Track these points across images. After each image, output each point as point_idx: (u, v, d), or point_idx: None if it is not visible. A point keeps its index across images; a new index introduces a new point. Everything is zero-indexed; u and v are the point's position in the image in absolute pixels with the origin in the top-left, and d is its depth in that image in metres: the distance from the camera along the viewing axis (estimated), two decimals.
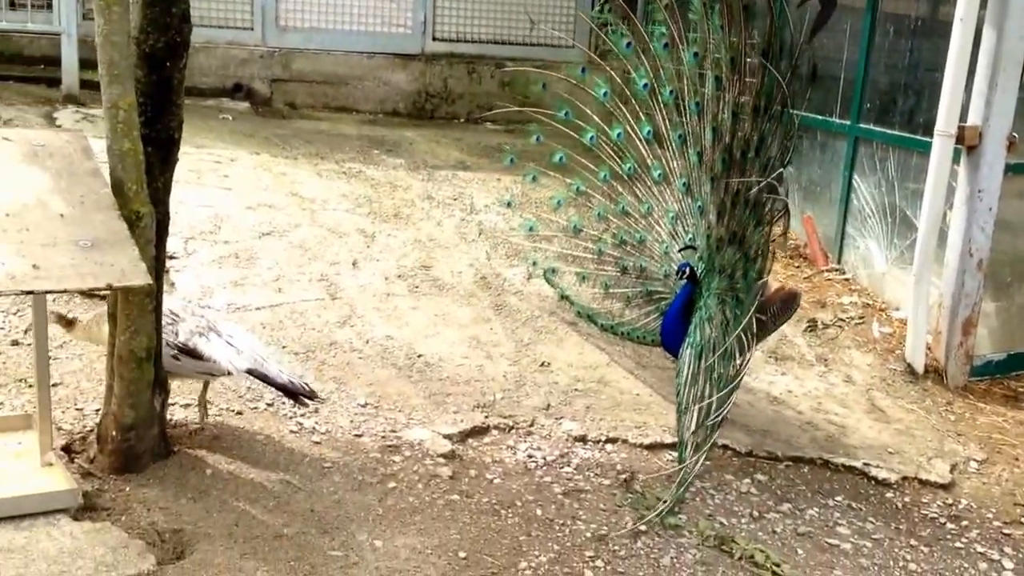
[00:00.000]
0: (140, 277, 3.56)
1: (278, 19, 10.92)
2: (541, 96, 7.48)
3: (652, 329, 6.39)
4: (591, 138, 6.72)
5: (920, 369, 7.09)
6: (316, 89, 11.26)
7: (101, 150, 4.29)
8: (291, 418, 5.42)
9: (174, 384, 5.05)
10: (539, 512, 5.00)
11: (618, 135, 6.58)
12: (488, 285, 7.36)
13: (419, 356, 6.32)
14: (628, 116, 6.56)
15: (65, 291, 3.82)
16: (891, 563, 5.09)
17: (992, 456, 6.31)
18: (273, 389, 5.18)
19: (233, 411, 5.38)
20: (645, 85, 6.40)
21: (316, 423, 5.41)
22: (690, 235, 6.14)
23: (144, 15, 4.17)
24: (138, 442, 4.62)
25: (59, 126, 8.82)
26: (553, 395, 6.14)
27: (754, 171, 5.65)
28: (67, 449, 4.78)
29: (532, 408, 5.96)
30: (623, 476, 5.44)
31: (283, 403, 5.52)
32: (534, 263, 7.27)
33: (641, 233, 6.47)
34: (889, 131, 7.93)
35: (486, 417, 5.76)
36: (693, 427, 5.25)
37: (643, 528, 4.98)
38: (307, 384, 5.19)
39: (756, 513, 5.30)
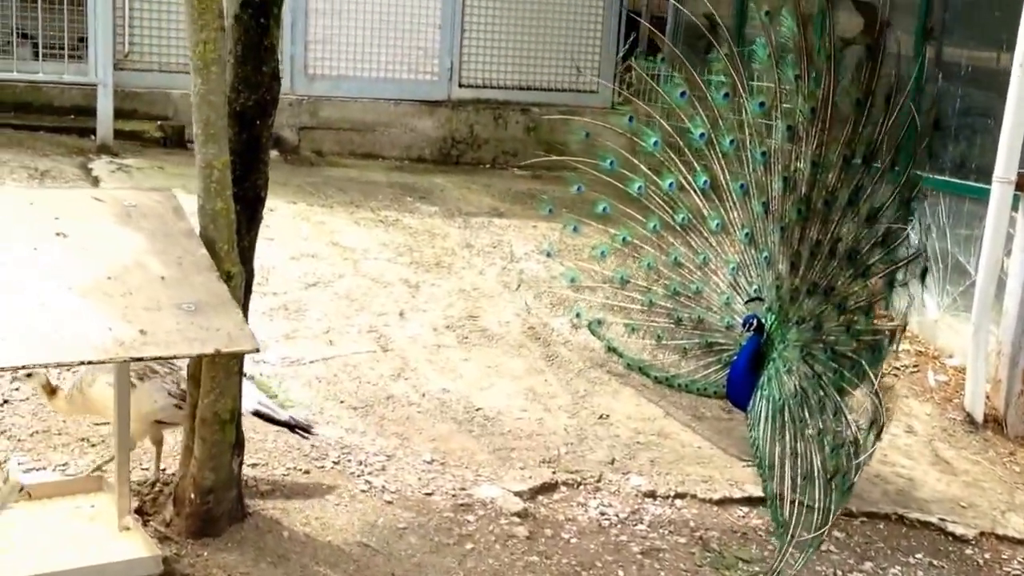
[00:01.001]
0: (247, 342, 3.46)
1: (307, 68, 10.85)
2: (583, 144, 7.41)
3: (714, 381, 6.29)
4: (639, 188, 6.63)
5: (980, 418, 7.00)
6: (343, 136, 11.19)
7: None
8: (359, 476, 5.30)
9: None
10: (621, 574, 4.90)
11: (670, 185, 6.49)
12: (537, 335, 7.27)
13: (477, 409, 6.22)
14: (680, 166, 6.48)
15: (174, 357, 3.71)
16: None
17: None
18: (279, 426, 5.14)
19: (300, 470, 5.25)
20: (702, 135, 6.32)
21: (385, 481, 5.29)
22: (755, 286, 6.05)
23: (236, 74, 4.10)
24: (216, 505, 4.50)
25: (95, 177, 8.73)
26: (616, 449, 6.04)
27: (846, 222, 5.59)
28: (139, 511, 4.65)
29: (597, 463, 5.85)
30: (697, 534, 5.34)
31: (349, 461, 5.41)
32: (578, 314, 7.15)
33: (697, 284, 6.38)
34: (940, 177, 7.88)
35: (553, 473, 5.66)
36: (789, 483, 5.15)
37: None
38: (305, 419, 5.24)
39: (839, 573, 5.21)
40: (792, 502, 5.16)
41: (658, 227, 6.57)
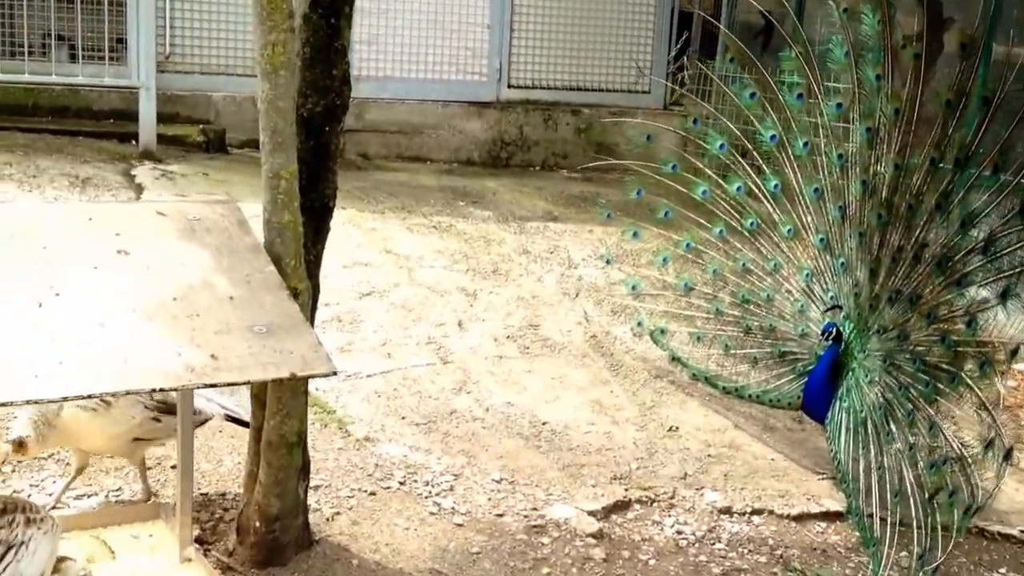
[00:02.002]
0: (323, 365, 3.25)
1: (352, 69, 10.65)
2: (650, 148, 7.20)
3: (788, 392, 6.06)
4: (703, 192, 6.39)
5: None
6: (390, 139, 11.00)
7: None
8: (427, 497, 5.10)
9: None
10: None
11: (737, 189, 6.25)
12: (599, 344, 7.05)
13: (543, 424, 6.00)
14: (748, 169, 6.24)
15: (248, 382, 3.51)
16: None
17: None
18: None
19: (366, 492, 5.06)
20: (773, 137, 6.08)
21: (455, 503, 5.08)
22: (831, 293, 5.81)
23: (304, 77, 3.90)
24: (283, 533, 4.30)
25: (139, 184, 8.59)
26: (688, 463, 5.81)
27: (934, 227, 5.33)
28: (200, 540, 4.46)
29: (669, 478, 5.63)
30: (777, 552, 5.11)
31: (415, 481, 5.22)
32: (639, 323, 6.93)
33: (768, 291, 6.14)
34: None
35: (626, 490, 5.43)
36: (877, 500, 4.93)
37: None
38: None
39: None
40: (883, 520, 4.93)
41: (724, 232, 6.34)
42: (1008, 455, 5.07)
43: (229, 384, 3.23)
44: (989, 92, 5.18)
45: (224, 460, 5.16)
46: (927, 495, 4.94)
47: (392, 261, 7.78)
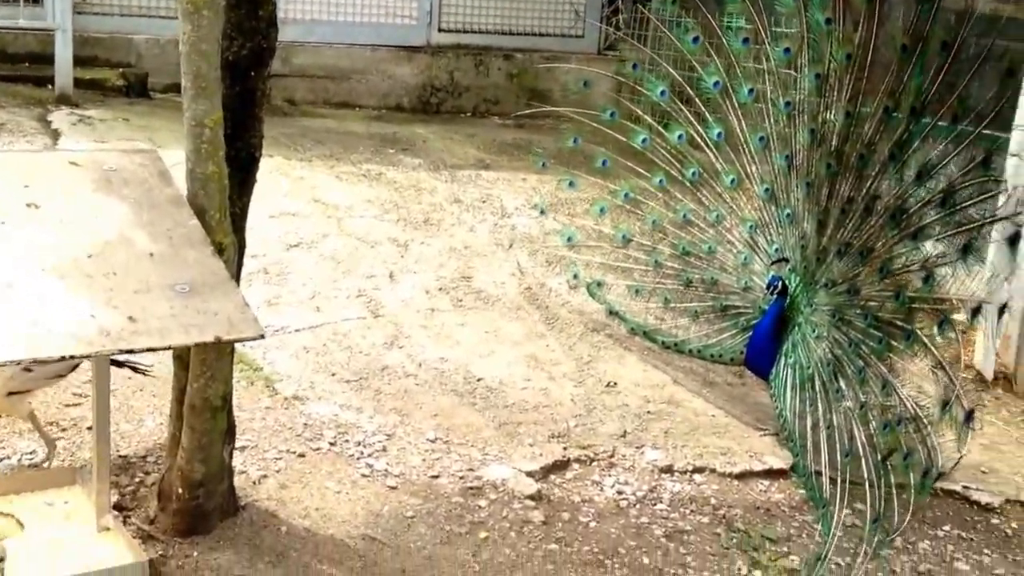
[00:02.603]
0: (250, 328, 3.02)
1: (278, 11, 10.30)
2: (586, 94, 7.00)
3: (731, 347, 5.91)
4: (643, 141, 6.19)
5: (989, 376, 6.69)
6: (317, 84, 10.68)
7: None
8: (359, 458, 4.89)
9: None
10: (646, 561, 4.53)
11: (679, 138, 6.06)
12: (534, 297, 6.87)
13: (478, 380, 5.81)
14: (691, 117, 6.04)
15: (169, 348, 3.25)
16: None
17: None
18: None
19: (295, 453, 4.84)
20: (716, 84, 5.89)
21: (388, 464, 4.87)
22: (776, 246, 5.65)
23: (228, 19, 3.62)
24: (207, 500, 4.07)
25: (56, 130, 8.24)
26: (627, 420, 5.65)
27: (887, 178, 5.17)
28: (119, 507, 4.22)
29: (609, 436, 5.47)
30: (720, 512, 4.98)
31: (346, 441, 5.01)
32: (575, 275, 6.73)
33: (709, 243, 5.97)
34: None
35: (564, 449, 5.26)
36: (826, 459, 4.81)
37: (758, 575, 4.53)
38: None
39: (868, 549, 4.83)
40: (833, 480, 4.81)
41: (664, 182, 6.15)
42: (969, 418, 4.96)
43: (148, 350, 2.98)
44: (948, 37, 5.00)
45: (145, 420, 4.91)
46: (880, 456, 4.83)
47: (320, 211, 7.52)
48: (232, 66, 3.71)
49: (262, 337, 3.18)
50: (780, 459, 5.39)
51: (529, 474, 4.98)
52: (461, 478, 4.87)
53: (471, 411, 5.49)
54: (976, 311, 5.28)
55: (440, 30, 11.13)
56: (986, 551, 5.01)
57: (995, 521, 5.29)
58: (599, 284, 6.59)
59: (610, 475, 5.14)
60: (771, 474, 5.33)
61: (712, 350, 6.03)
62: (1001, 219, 5.25)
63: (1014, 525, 5.28)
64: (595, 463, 5.22)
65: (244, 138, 3.83)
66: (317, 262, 6.76)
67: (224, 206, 3.61)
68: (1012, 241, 5.47)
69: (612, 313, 6.57)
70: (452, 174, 8.72)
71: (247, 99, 3.79)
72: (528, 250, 7.44)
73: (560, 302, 6.84)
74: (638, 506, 4.93)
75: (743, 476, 5.30)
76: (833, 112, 5.36)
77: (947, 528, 5.17)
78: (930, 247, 5.18)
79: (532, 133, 10.06)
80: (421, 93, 11.08)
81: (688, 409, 5.88)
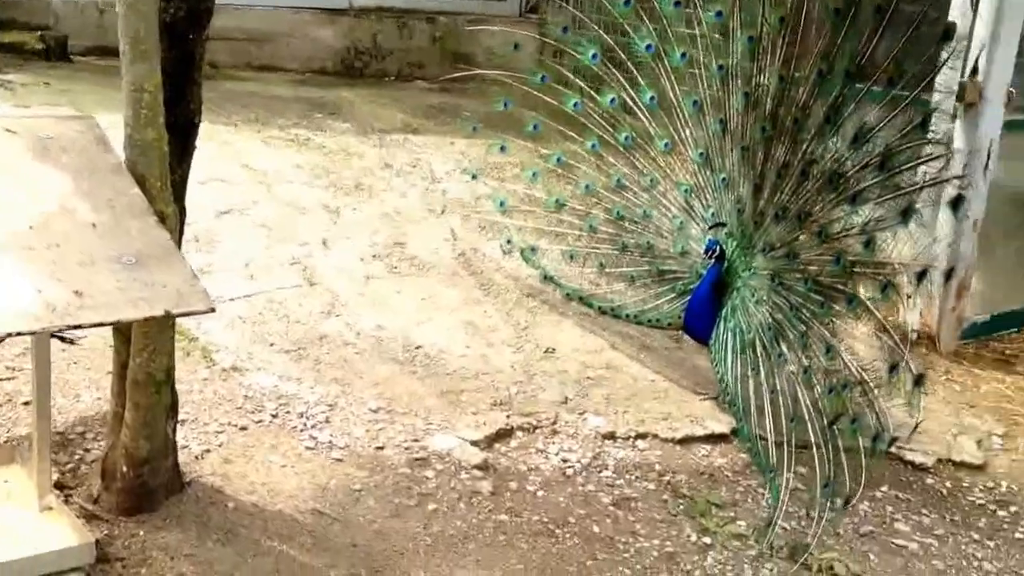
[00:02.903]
0: (200, 301, 2.92)
1: None
2: (512, 58, 6.92)
3: (668, 312, 5.91)
4: (575, 105, 6.14)
5: (912, 335, 6.75)
6: (239, 47, 10.44)
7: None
8: (302, 431, 4.81)
9: None
10: (596, 529, 4.52)
11: (611, 102, 6.02)
12: (469, 262, 6.80)
13: (417, 347, 5.74)
14: (623, 81, 5.99)
15: (117, 323, 3.13)
16: (964, 563, 4.77)
17: (1011, 430, 6.00)
18: None
19: (236, 426, 4.74)
20: (649, 47, 5.85)
21: (332, 436, 4.80)
22: (712, 210, 5.65)
23: None
24: (152, 477, 3.97)
25: None
26: (567, 386, 5.63)
27: (822, 142, 5.15)
28: (60, 485, 4.10)
29: (550, 403, 5.44)
30: (665, 478, 5.00)
31: (288, 413, 4.93)
32: (509, 241, 6.67)
33: (644, 207, 5.96)
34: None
35: (507, 417, 5.23)
36: (771, 424, 4.82)
37: (708, 541, 4.54)
38: None
39: (810, 513, 4.87)
40: (779, 445, 4.83)
41: (597, 146, 6.12)
42: (919, 381, 5.00)
43: (97, 325, 2.87)
44: (882, 1, 5.00)
45: (82, 395, 4.78)
46: (827, 421, 4.85)
47: (250, 176, 7.36)
48: (170, 28, 3.58)
49: (213, 311, 3.09)
50: (721, 423, 5.41)
51: (474, 443, 4.94)
52: (406, 449, 4.82)
53: (412, 379, 5.43)
54: (921, 275, 5.30)
55: None
56: (924, 511, 5.09)
57: (930, 481, 5.37)
58: (533, 249, 6.55)
59: (554, 443, 5.13)
60: (713, 439, 5.36)
61: (649, 315, 6.03)
62: (939, 182, 5.29)
63: (948, 484, 5.36)
64: (539, 431, 5.20)
65: (183, 103, 3.73)
66: (249, 229, 6.63)
67: (165, 173, 3.50)
68: (954, 205, 5.52)
69: (547, 278, 6.53)
70: (381, 138, 8.60)
71: (186, 62, 3.68)
72: (460, 215, 7.36)
73: (495, 267, 6.78)
74: (584, 474, 4.92)
75: (685, 441, 5.32)
76: (767, 76, 5.34)
77: (885, 489, 5.23)
78: (869, 211, 5.19)
79: (458, 97, 9.96)
80: (345, 56, 10.91)
81: (627, 374, 5.87)
